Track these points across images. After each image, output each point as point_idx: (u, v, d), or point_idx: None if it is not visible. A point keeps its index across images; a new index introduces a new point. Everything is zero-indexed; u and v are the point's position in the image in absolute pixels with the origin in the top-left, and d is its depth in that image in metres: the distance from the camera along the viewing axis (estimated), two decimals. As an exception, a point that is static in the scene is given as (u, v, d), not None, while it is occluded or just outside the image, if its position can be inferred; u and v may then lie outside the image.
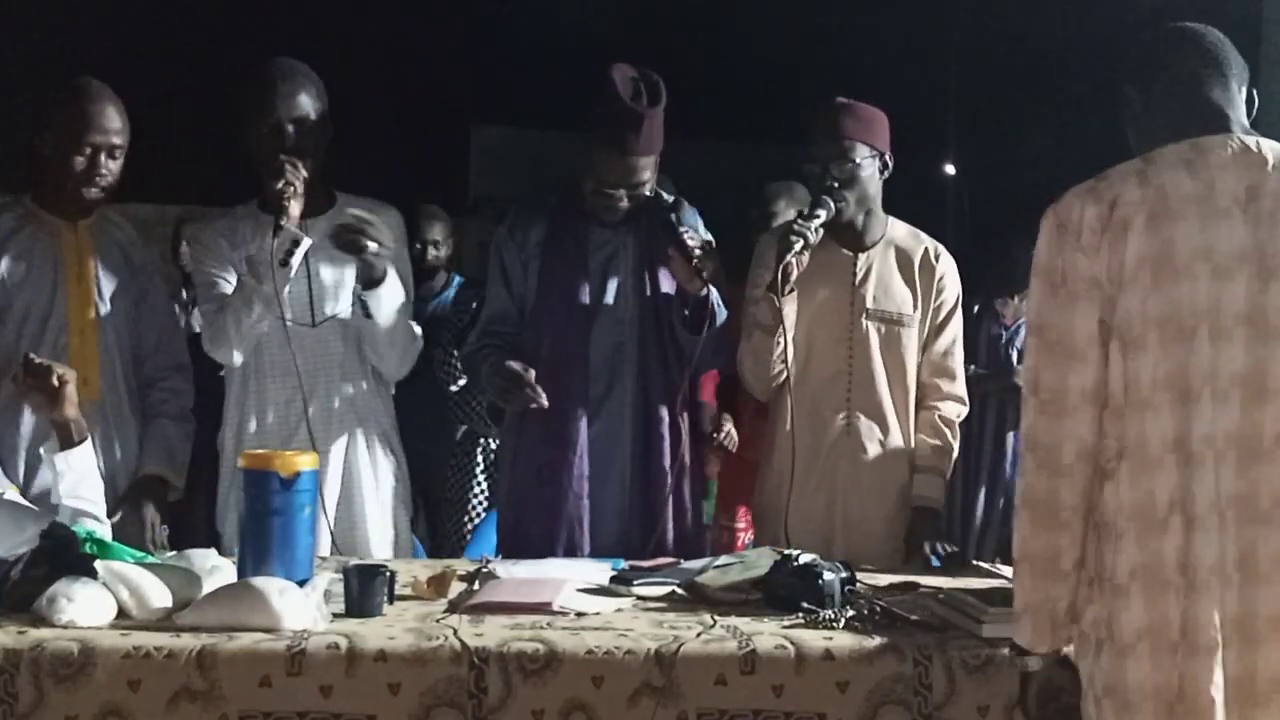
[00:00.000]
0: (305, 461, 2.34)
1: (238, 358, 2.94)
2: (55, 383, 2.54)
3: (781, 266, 2.85)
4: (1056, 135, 7.38)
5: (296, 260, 2.84)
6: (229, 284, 2.95)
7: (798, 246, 2.86)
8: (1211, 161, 1.84)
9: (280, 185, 2.83)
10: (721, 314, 2.96)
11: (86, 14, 7.13)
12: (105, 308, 2.96)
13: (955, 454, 3.10)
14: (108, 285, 2.97)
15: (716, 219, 3.18)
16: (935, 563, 2.92)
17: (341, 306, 3.00)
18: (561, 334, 2.98)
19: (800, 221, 2.88)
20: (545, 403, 2.84)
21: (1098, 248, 1.83)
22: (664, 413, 2.99)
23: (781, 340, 2.95)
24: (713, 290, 2.92)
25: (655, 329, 2.98)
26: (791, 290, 2.91)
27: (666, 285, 3.00)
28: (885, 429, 3.04)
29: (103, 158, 2.87)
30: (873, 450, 3.02)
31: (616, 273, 3.01)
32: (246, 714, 1.99)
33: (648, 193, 2.97)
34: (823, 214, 2.91)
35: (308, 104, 2.93)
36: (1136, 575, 1.80)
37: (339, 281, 2.99)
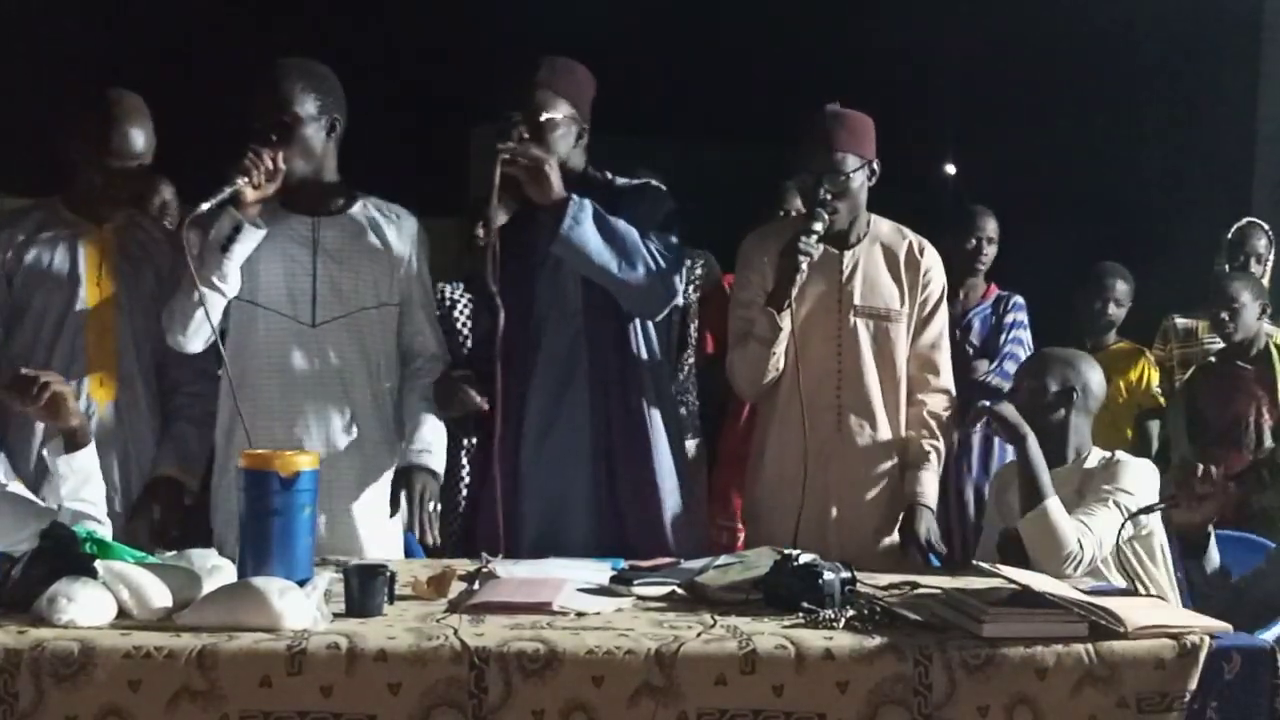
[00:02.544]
0: (305, 461, 2.34)
1: (185, 342, 2.90)
2: (44, 398, 2.54)
3: (786, 282, 2.89)
4: (1056, 135, 7.37)
5: (240, 249, 2.81)
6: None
7: (805, 265, 2.90)
8: None
9: (235, 172, 2.80)
10: (584, 220, 2.86)
11: (90, 13, 7.15)
12: (125, 309, 2.97)
13: (945, 449, 3.11)
14: (129, 287, 2.98)
15: (716, 220, 3.19)
16: (935, 561, 2.92)
17: (347, 310, 2.97)
18: (518, 334, 2.98)
19: (804, 240, 2.90)
20: (483, 404, 2.90)
21: None
22: (624, 401, 3.00)
23: (777, 351, 2.96)
24: (585, 201, 2.87)
25: (607, 316, 2.99)
26: (790, 305, 2.93)
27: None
28: (875, 425, 3.05)
29: (121, 179, 2.90)
30: (863, 447, 3.04)
31: (562, 269, 2.98)
32: (247, 714, 1.99)
33: (554, 126, 2.96)
34: (819, 227, 2.93)
35: (294, 102, 2.90)
36: None
37: (347, 285, 2.97)
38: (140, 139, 2.90)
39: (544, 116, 2.96)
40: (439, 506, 2.91)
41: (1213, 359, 4.75)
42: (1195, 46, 6.29)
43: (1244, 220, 5.12)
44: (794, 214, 4.25)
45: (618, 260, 2.90)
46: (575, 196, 2.87)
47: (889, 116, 3.09)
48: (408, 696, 2.01)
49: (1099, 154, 6.81)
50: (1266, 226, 5.07)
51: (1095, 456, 3.07)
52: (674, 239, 3.03)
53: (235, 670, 1.99)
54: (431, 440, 2.97)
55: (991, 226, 4.43)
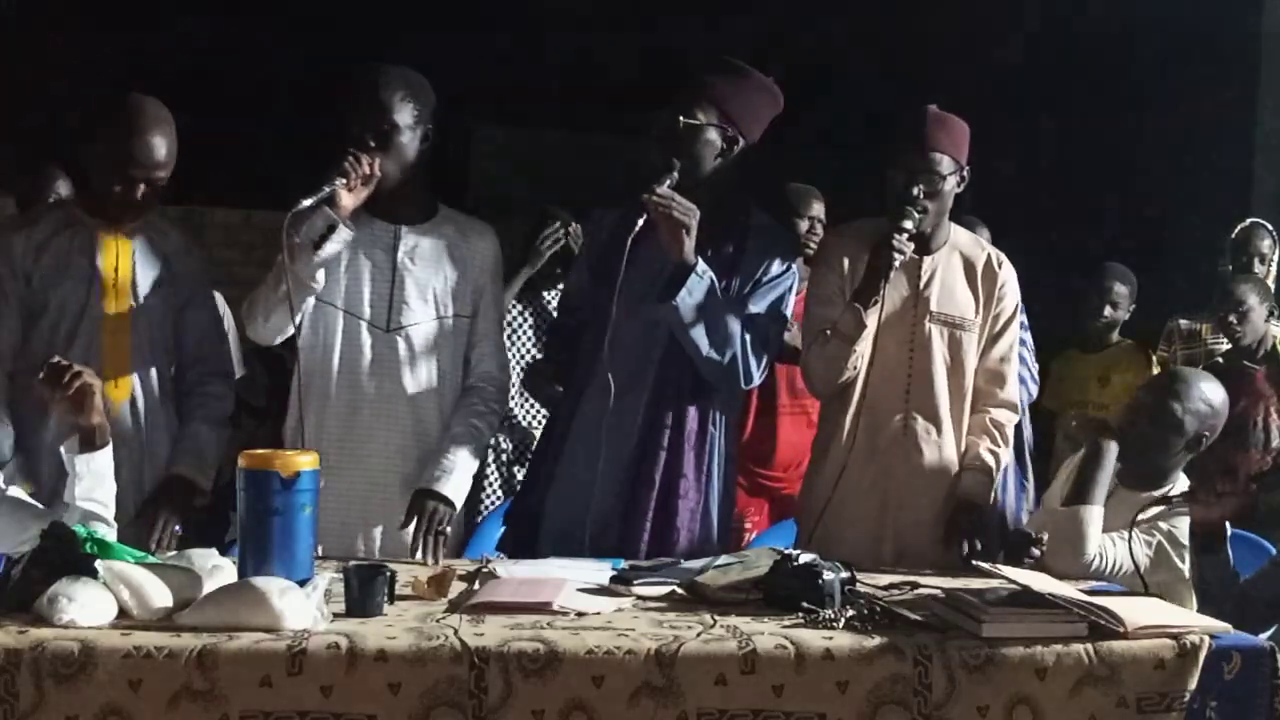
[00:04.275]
0: (305, 461, 2.34)
1: (262, 333, 2.97)
2: (74, 387, 2.54)
3: (876, 279, 2.89)
4: (1056, 136, 7.37)
5: (331, 248, 2.86)
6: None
7: (898, 262, 2.90)
8: None
9: (334, 174, 2.84)
10: (697, 294, 2.84)
11: (98, 13, 7.15)
12: (141, 309, 2.97)
13: (1005, 459, 3.10)
14: (145, 288, 2.99)
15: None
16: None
17: (421, 318, 3.01)
18: (599, 325, 2.96)
19: (897, 238, 2.89)
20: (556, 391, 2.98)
21: None
22: (675, 422, 2.97)
23: (859, 348, 2.96)
24: (706, 275, 2.85)
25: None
26: (876, 302, 2.92)
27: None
28: (941, 431, 3.04)
29: (141, 188, 2.89)
30: (928, 452, 3.03)
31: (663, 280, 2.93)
32: (247, 714, 1.99)
33: (694, 134, 2.95)
34: (910, 225, 2.92)
35: (394, 110, 2.93)
36: None
37: (424, 294, 3.01)
38: (163, 149, 2.89)
39: (683, 122, 2.94)
40: (448, 530, 2.91)
41: (1219, 359, 4.76)
42: (1195, 50, 6.30)
43: (1247, 221, 5.12)
44: (809, 220, 4.27)
45: (709, 340, 2.89)
46: (701, 267, 2.85)
47: (889, 116, 3.08)
48: (408, 696, 2.01)
49: (1099, 154, 6.82)
50: (1270, 227, 5.08)
51: (1178, 490, 3.02)
52: (785, 308, 3.03)
53: (235, 670, 1.99)
54: (456, 466, 2.95)
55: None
